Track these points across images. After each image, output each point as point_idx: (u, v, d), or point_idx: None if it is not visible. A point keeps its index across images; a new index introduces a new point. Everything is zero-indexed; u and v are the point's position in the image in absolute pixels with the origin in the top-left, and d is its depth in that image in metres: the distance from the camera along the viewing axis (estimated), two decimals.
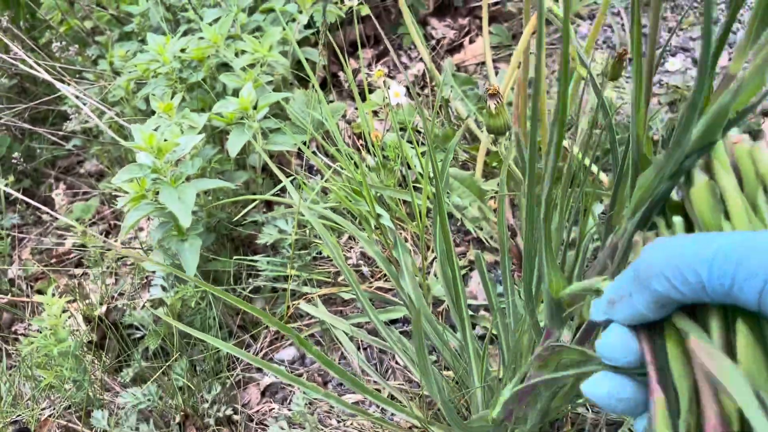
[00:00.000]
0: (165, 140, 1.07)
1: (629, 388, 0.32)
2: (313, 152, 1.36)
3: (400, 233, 1.18)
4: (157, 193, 1.01)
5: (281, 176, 0.93)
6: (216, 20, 1.43)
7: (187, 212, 0.97)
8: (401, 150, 1.06)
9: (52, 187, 1.99)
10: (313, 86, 1.57)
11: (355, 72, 1.65)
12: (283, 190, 1.30)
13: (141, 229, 1.43)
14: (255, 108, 1.12)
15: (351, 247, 1.21)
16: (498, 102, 0.86)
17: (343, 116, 1.52)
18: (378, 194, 1.08)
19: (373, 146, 1.14)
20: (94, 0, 2.00)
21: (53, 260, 1.58)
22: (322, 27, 1.51)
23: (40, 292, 1.55)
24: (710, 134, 0.35)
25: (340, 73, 1.63)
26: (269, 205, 1.30)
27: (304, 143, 1.40)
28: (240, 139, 1.09)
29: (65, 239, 1.66)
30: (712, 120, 0.34)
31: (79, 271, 1.50)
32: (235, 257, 1.11)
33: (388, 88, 1.14)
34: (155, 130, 1.06)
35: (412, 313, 0.93)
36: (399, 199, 1.15)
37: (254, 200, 1.19)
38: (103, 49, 1.91)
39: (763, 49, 0.34)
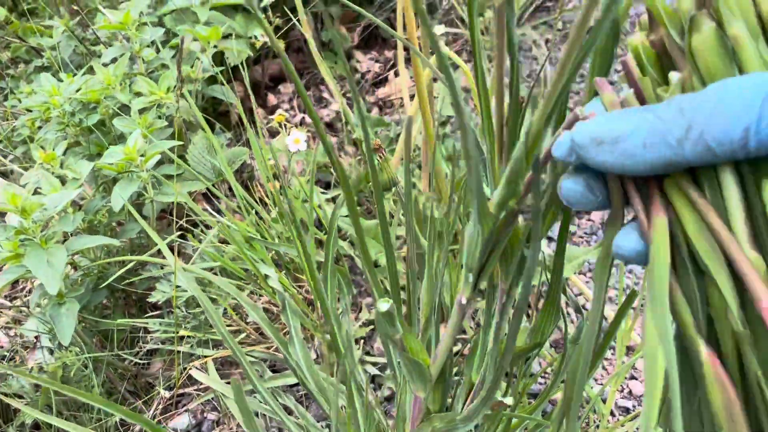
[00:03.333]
0: (39, 193, 0.99)
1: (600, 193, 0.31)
2: (224, 195, 1.29)
3: (302, 288, 1.11)
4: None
5: (155, 237, 0.85)
6: (120, 56, 1.36)
7: (56, 277, 0.88)
8: (283, 198, 0.99)
9: None
10: (226, 129, 1.50)
11: (275, 108, 1.59)
12: (182, 237, 1.22)
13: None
14: (144, 156, 1.04)
15: (255, 301, 1.13)
16: (381, 156, 0.80)
17: (252, 158, 1.45)
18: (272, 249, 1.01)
19: (271, 196, 1.07)
20: (11, 32, 1.91)
21: None
22: (234, 64, 1.45)
23: None
24: None
25: (258, 110, 1.57)
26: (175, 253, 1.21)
27: (207, 189, 1.33)
28: (125, 192, 1.01)
29: None
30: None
31: None
32: (119, 320, 1.03)
33: (288, 134, 1.07)
34: (26, 186, 0.97)
35: (303, 382, 0.86)
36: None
37: (149, 252, 1.10)
38: (17, 83, 1.82)
39: None
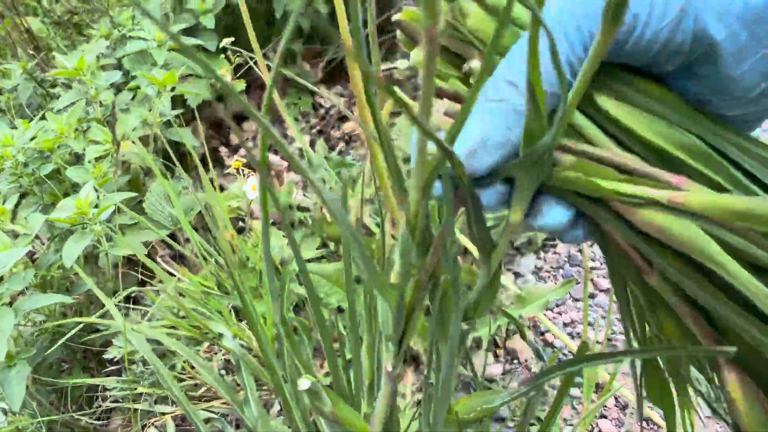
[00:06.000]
0: None
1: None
2: (184, 242, 1.26)
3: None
4: None
5: (103, 298, 0.82)
6: (75, 102, 1.33)
7: (2, 342, 0.85)
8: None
9: None
10: (188, 171, 1.48)
11: (237, 147, 1.57)
12: (144, 284, 1.19)
13: None
14: (97, 207, 1.02)
15: (215, 352, 1.11)
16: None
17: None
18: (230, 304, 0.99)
19: (231, 242, 1.05)
20: None
21: None
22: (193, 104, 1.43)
23: None
24: None
25: (221, 149, 1.55)
26: (135, 303, 1.18)
27: (171, 234, 1.30)
28: (77, 247, 0.99)
29: None
30: None
31: None
32: (73, 380, 0.99)
33: (247, 178, 1.06)
34: None
35: None
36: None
37: (106, 305, 1.07)
38: None
39: None
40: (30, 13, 2.08)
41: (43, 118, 1.41)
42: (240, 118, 1.65)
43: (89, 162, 1.15)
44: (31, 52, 1.58)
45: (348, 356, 1.10)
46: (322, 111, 1.69)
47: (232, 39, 1.47)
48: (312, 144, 1.52)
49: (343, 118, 1.70)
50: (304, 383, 0.47)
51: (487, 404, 0.56)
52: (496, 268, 0.47)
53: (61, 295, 0.97)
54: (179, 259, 1.30)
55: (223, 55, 1.50)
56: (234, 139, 1.58)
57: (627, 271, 0.31)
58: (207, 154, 1.27)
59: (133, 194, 1.06)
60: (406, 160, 1.37)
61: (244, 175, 1.09)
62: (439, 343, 0.51)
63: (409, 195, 0.40)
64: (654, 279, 0.29)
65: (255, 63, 1.65)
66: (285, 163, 1.52)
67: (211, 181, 1.54)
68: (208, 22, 1.49)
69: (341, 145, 1.64)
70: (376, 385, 0.66)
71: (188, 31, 1.52)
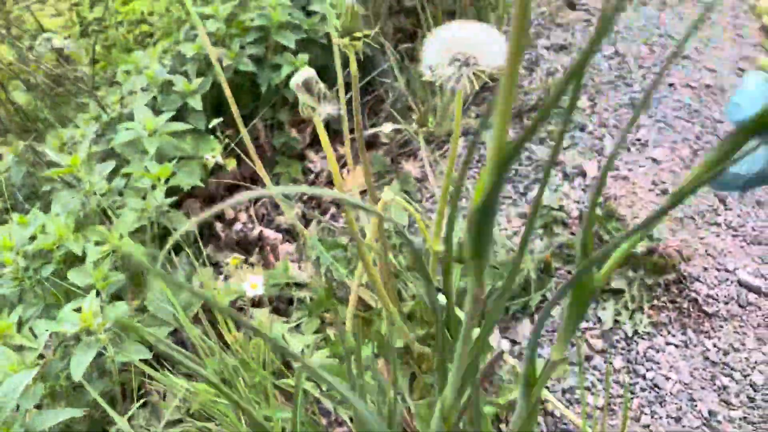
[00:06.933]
0: None
1: None
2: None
3: None
4: None
5: (115, 416, 0.85)
6: (71, 199, 1.36)
7: None
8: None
9: None
10: (187, 254, 1.50)
11: (232, 221, 1.60)
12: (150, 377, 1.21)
13: None
14: (102, 313, 1.04)
15: None
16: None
17: (222, 276, 1.45)
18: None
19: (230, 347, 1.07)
20: None
21: None
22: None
23: None
24: None
25: (217, 223, 1.57)
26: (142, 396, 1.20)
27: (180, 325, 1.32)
28: (84, 359, 1.01)
29: None
30: None
31: None
32: None
33: (246, 274, 1.08)
34: None
35: None
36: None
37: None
38: None
39: None
40: (17, 88, 2.11)
41: (40, 206, 1.43)
42: (232, 191, 1.67)
43: (90, 263, 1.17)
44: (22, 141, 1.60)
45: None
46: (312, 176, 1.72)
47: (221, 119, 1.50)
48: (307, 223, 1.55)
49: (332, 182, 1.73)
50: None
51: None
52: (536, 401, 0.49)
53: (72, 409, 0.99)
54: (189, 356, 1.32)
55: (212, 136, 1.53)
56: (228, 214, 1.60)
57: None
58: (201, 229, 1.30)
59: (134, 304, 1.08)
60: (399, 233, 1.40)
61: (241, 269, 1.12)
62: None
63: (445, 393, 0.42)
64: None
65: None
66: (279, 236, 1.55)
67: (208, 257, 1.56)
68: (196, 103, 1.52)
69: (332, 209, 1.67)
70: None
71: (176, 113, 1.55)
